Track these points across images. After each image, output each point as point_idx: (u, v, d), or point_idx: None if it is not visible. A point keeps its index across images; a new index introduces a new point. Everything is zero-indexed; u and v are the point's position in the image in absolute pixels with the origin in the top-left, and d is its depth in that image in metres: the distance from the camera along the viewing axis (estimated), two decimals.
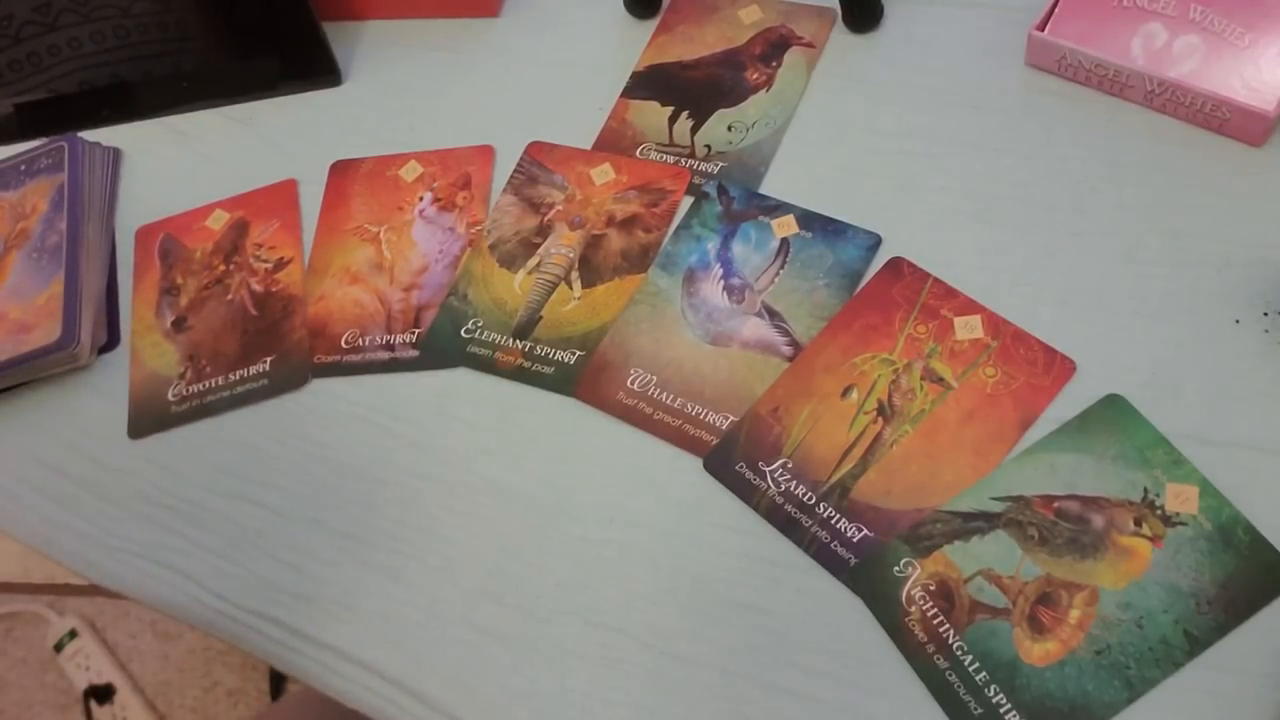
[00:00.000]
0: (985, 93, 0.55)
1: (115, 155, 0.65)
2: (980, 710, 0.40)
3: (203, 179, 0.63)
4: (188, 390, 0.55)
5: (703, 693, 0.43)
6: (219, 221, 0.61)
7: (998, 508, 0.43)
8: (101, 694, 1.30)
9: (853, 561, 0.44)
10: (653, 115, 0.59)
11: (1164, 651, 0.40)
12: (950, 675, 0.41)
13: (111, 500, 0.53)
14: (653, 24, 0.63)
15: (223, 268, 0.59)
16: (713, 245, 0.53)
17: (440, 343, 0.53)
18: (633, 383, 0.50)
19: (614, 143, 0.58)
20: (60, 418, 0.56)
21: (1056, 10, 0.54)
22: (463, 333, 0.53)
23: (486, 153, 0.60)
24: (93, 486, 0.54)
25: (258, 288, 0.58)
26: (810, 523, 0.45)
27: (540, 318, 0.53)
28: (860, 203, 0.53)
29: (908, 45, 0.58)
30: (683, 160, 0.57)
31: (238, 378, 0.55)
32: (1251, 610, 0.40)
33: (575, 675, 0.44)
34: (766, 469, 0.46)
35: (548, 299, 0.53)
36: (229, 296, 0.58)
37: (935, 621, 0.42)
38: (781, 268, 0.52)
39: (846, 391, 0.47)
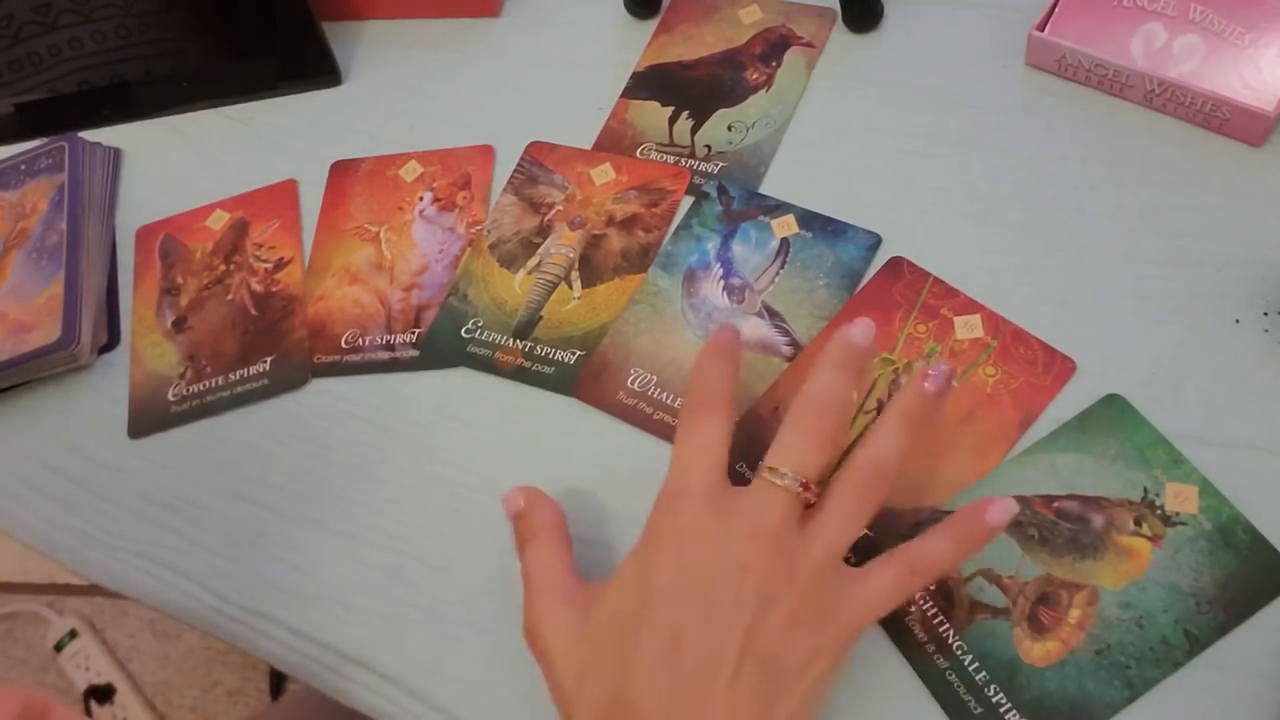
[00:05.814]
0: (985, 93, 0.55)
1: (115, 155, 0.65)
2: (980, 710, 0.40)
3: (203, 179, 0.63)
4: (188, 390, 0.55)
5: None
6: (219, 221, 0.61)
7: None
8: (101, 694, 1.30)
9: (852, 561, 0.43)
10: (653, 115, 0.59)
11: (1164, 651, 0.40)
12: (950, 675, 0.41)
13: (111, 500, 0.53)
14: (653, 24, 0.63)
15: (223, 268, 0.59)
16: (713, 245, 0.53)
17: (440, 343, 0.54)
18: (633, 383, 0.50)
19: (614, 143, 0.58)
20: (60, 418, 0.56)
21: (1056, 10, 0.54)
22: (463, 333, 0.53)
23: (486, 153, 0.60)
24: (93, 486, 0.54)
25: (258, 288, 0.58)
26: None
27: (540, 318, 0.53)
28: (860, 202, 0.53)
29: (908, 45, 0.58)
30: (683, 160, 0.57)
31: (238, 378, 0.55)
32: (1251, 610, 0.40)
33: None
34: None
35: (548, 299, 0.53)
36: (229, 296, 0.58)
37: (935, 621, 0.42)
38: (781, 268, 0.52)
39: None
